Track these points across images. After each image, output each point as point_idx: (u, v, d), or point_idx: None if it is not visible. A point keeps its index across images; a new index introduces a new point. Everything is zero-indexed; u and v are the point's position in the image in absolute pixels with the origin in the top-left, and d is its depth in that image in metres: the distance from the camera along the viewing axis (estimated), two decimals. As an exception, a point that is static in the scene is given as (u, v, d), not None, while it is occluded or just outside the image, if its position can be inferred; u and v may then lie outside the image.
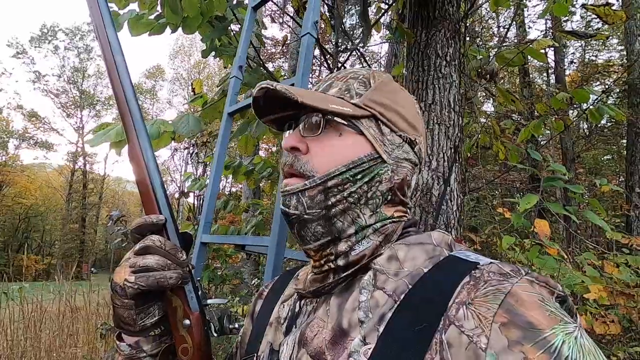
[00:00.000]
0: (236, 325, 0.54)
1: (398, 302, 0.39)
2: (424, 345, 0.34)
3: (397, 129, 0.48)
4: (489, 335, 0.32)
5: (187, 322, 0.49)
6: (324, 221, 0.46)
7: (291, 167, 0.47)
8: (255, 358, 0.50)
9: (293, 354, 0.44)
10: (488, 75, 2.25)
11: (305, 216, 0.46)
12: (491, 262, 0.39)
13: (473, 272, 0.38)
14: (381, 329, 0.38)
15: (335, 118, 0.46)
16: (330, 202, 0.45)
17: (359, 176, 0.45)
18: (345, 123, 0.46)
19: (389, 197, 0.47)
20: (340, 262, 0.45)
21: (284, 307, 0.52)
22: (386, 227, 0.47)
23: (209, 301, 0.53)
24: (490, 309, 0.33)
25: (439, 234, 0.46)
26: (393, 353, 0.36)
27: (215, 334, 0.52)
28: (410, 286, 0.39)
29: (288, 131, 0.52)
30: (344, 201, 0.45)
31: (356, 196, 0.45)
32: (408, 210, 0.51)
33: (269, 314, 0.54)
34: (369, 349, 0.37)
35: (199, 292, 0.52)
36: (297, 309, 0.49)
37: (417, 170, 0.51)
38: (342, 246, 0.46)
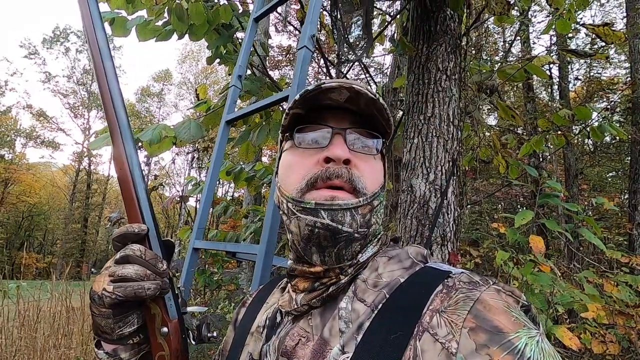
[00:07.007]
0: (214, 334, 0.54)
1: (375, 311, 0.40)
2: (399, 352, 0.35)
3: None
4: (458, 340, 0.33)
5: (165, 329, 0.48)
6: (364, 241, 0.44)
7: (344, 179, 0.43)
8: None
9: None
10: (488, 90, 2.26)
11: (356, 235, 0.43)
12: (462, 272, 0.41)
13: (446, 280, 0.40)
14: (359, 337, 0.38)
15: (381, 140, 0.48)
16: (372, 222, 0.45)
17: (382, 199, 0.48)
18: (381, 149, 0.49)
19: None
20: (343, 278, 0.45)
21: (265, 316, 0.52)
22: (381, 237, 0.50)
23: (188, 309, 0.53)
24: (460, 315, 0.35)
25: (414, 248, 0.48)
26: None
27: (193, 342, 0.52)
28: (387, 296, 0.41)
29: (301, 134, 0.48)
30: (376, 224, 0.46)
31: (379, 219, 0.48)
32: None
33: (251, 322, 0.54)
34: (347, 357, 0.38)
35: (179, 300, 0.52)
36: (278, 319, 0.50)
37: None
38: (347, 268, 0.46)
